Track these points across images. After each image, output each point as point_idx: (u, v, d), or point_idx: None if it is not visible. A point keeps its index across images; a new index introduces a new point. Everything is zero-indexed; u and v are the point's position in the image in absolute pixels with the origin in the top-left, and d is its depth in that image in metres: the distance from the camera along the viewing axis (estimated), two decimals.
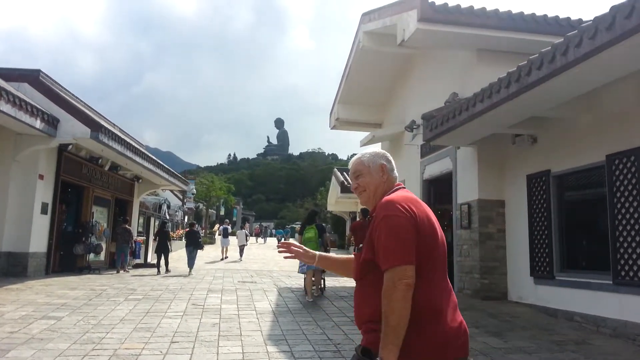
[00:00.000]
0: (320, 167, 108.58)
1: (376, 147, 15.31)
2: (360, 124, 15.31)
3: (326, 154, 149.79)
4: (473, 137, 8.99)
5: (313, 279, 9.11)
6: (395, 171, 2.16)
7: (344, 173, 22.70)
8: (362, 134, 15.38)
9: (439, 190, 11.81)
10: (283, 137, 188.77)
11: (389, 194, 2.01)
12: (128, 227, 15.29)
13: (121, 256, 14.75)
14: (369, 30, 11.76)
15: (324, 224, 12.59)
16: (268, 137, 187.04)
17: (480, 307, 8.34)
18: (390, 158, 2.18)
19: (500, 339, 6.15)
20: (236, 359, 5.06)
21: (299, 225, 10.05)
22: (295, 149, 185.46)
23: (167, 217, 28.27)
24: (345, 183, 20.90)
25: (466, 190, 9.84)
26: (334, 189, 24.15)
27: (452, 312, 1.90)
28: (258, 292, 9.90)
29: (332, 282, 11.54)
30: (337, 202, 25.22)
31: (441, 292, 1.89)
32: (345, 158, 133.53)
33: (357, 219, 12.30)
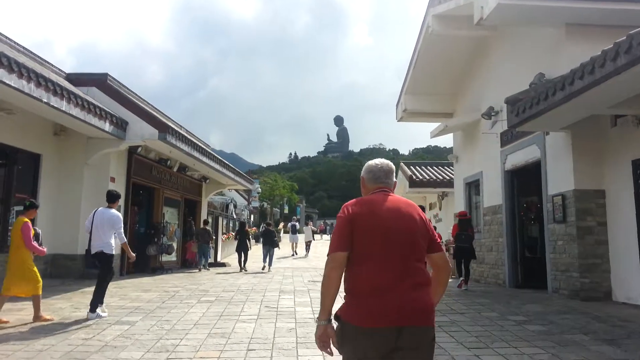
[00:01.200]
0: None
1: (450, 136, 14.50)
2: (429, 114, 14.49)
3: (387, 150, 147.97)
4: (566, 121, 8.04)
5: None
6: (377, 179, 2.53)
7: (412, 167, 21.85)
8: (431, 126, 14.57)
9: (523, 181, 10.84)
10: (343, 134, 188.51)
11: None
12: (208, 228, 16.29)
13: (200, 256, 15.65)
14: (438, 14, 10.96)
15: None
16: (328, 135, 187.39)
17: (582, 310, 7.42)
18: (372, 169, 2.57)
19: (618, 347, 5.30)
20: None
21: None
22: (355, 145, 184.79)
23: (234, 216, 28.61)
24: (414, 177, 20.05)
25: (559, 180, 8.86)
26: (400, 184, 23.29)
27: (399, 288, 2.23)
28: None
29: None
30: (404, 197, 24.32)
31: (383, 272, 2.25)
32: (406, 153, 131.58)
33: None
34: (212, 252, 18.83)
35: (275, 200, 44.88)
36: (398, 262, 2.29)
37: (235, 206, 30.91)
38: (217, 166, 15.86)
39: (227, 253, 23.01)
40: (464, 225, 10.43)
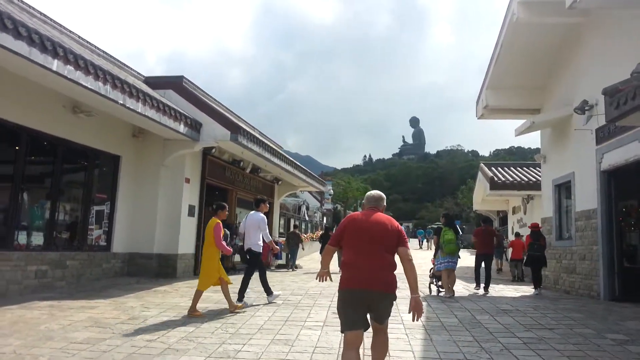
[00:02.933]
0: (460, 164, 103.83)
1: (536, 135, 13.39)
2: (513, 110, 13.47)
3: (465, 151, 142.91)
4: None
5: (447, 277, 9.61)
6: (369, 202, 4.16)
7: (493, 168, 20.60)
8: (515, 123, 13.51)
9: (621, 182, 9.69)
10: (419, 135, 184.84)
11: None
12: (297, 232, 17.95)
13: (291, 257, 17.41)
14: (525, 0, 10.06)
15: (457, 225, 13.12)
16: (403, 137, 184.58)
17: None
18: (368, 196, 4.26)
19: None
20: None
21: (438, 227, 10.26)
22: (432, 147, 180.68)
23: (307, 218, 28.63)
24: (495, 179, 18.84)
25: None
26: (480, 186, 22.10)
27: (358, 266, 3.77)
28: (404, 300, 8.88)
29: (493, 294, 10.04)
30: (483, 200, 23.08)
31: (352, 256, 3.83)
32: (487, 154, 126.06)
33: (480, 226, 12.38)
34: (284, 254, 18.82)
35: (349, 203, 44.58)
36: (369, 252, 3.80)
37: (307, 208, 30.95)
38: (288, 167, 15.80)
39: (299, 255, 22.99)
40: (536, 235, 11.26)
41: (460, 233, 11.37)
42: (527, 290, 11.59)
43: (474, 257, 12.44)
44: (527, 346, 5.69)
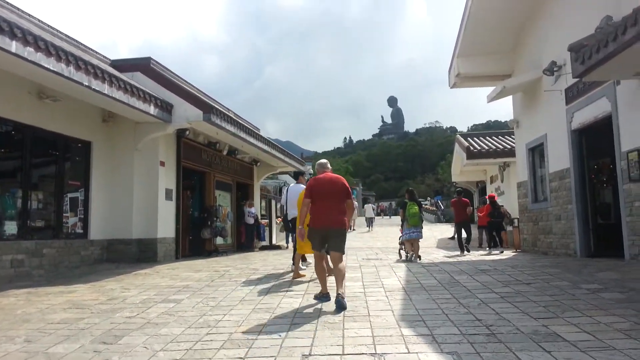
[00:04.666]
0: (439, 141, 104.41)
1: (507, 101, 13.56)
2: (484, 77, 13.54)
3: (444, 128, 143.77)
4: None
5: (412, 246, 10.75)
6: (321, 167, 6.23)
7: (469, 138, 20.78)
8: (486, 91, 13.59)
9: (592, 140, 9.86)
10: (397, 115, 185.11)
11: None
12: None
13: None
14: None
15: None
16: (382, 117, 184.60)
17: None
18: (320, 164, 6.29)
19: None
20: (366, 343, 4.18)
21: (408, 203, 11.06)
22: (411, 125, 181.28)
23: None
24: (472, 148, 19.01)
25: (634, 134, 7.91)
26: (457, 158, 22.30)
27: (322, 214, 5.81)
28: (384, 268, 8.99)
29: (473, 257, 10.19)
30: (462, 172, 23.31)
31: (319, 208, 5.82)
32: (465, 130, 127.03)
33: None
34: (267, 234, 18.84)
35: None
36: (329, 202, 5.81)
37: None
38: (265, 147, 15.70)
39: (282, 237, 23.02)
40: (494, 204, 14.20)
41: (442, 208, 14.45)
42: (506, 254, 11.83)
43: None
44: (504, 300, 5.81)
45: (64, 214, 10.21)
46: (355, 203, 31.71)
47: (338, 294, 5.55)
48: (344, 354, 3.93)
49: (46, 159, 10.16)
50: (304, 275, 7.99)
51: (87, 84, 8.22)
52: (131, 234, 11.26)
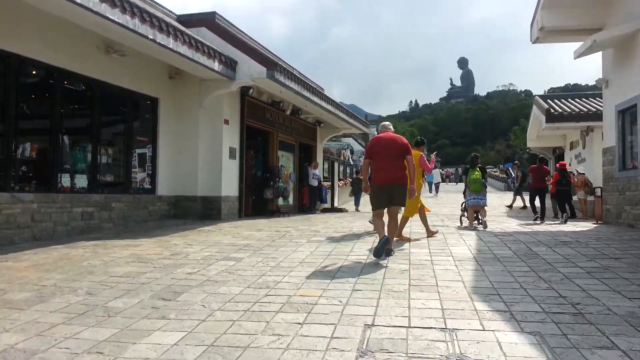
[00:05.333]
0: (512, 105, 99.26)
1: (596, 57, 12.26)
2: (571, 31, 12.20)
3: (518, 91, 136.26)
4: None
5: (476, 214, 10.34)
6: (383, 128, 6.76)
7: (549, 100, 19.21)
8: (569, 49, 12.33)
9: None
10: (467, 77, 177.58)
11: None
12: (360, 177, 18.15)
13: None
14: None
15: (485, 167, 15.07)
16: (451, 80, 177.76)
17: None
18: (383, 125, 6.83)
19: None
20: (434, 316, 3.81)
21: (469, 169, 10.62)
22: (482, 89, 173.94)
23: (351, 162, 28.24)
24: (552, 110, 17.54)
25: None
26: (535, 121, 20.75)
27: (383, 171, 6.19)
28: (452, 235, 8.50)
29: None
30: (539, 136, 21.79)
31: (380, 166, 6.23)
32: (542, 93, 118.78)
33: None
34: (328, 197, 18.67)
35: None
36: (390, 160, 6.17)
37: (352, 152, 30.44)
38: (329, 107, 15.28)
39: (344, 200, 22.82)
40: (563, 173, 13.25)
41: (512, 176, 13.80)
42: (585, 225, 10.91)
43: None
44: (590, 275, 5.21)
45: (133, 170, 10.43)
46: (442, 171, 31.70)
47: (387, 236, 6.06)
48: (410, 327, 3.59)
49: (115, 114, 10.35)
50: (408, 239, 7.76)
51: (151, 37, 8.11)
52: (196, 191, 11.38)
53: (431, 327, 3.57)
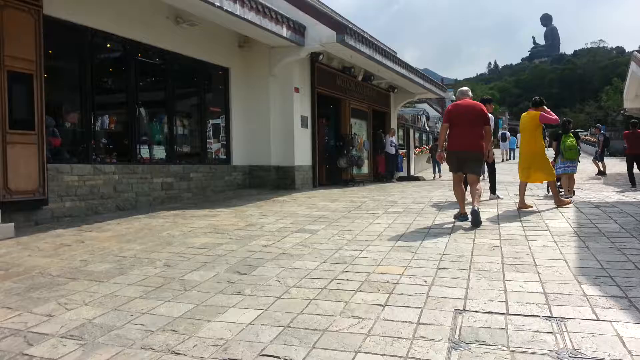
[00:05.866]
0: (603, 63, 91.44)
1: None
2: None
3: (609, 48, 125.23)
4: None
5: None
6: (461, 94, 6.52)
7: None
8: None
9: None
10: (552, 35, 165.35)
11: None
12: (437, 144, 17.99)
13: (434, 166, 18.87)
14: None
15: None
16: (534, 38, 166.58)
17: None
18: (460, 91, 6.63)
19: None
20: (536, 302, 3.33)
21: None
22: (568, 47, 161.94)
23: (427, 129, 27.23)
24: None
25: None
26: (634, 79, 18.73)
27: (459, 138, 6.12)
28: (545, 206, 7.76)
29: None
30: (637, 96, 19.69)
31: (457, 132, 6.15)
32: (637, 49, 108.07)
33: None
34: (404, 165, 18.09)
35: None
36: (467, 127, 6.12)
37: (427, 118, 29.29)
38: (403, 71, 14.54)
39: (420, 168, 22.06)
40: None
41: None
42: None
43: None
44: None
45: (208, 140, 10.50)
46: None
47: (473, 206, 6.00)
48: (509, 314, 3.15)
49: (188, 86, 10.41)
50: (530, 207, 7.41)
51: (218, 4, 7.91)
52: (270, 160, 11.31)
53: (534, 315, 3.11)
